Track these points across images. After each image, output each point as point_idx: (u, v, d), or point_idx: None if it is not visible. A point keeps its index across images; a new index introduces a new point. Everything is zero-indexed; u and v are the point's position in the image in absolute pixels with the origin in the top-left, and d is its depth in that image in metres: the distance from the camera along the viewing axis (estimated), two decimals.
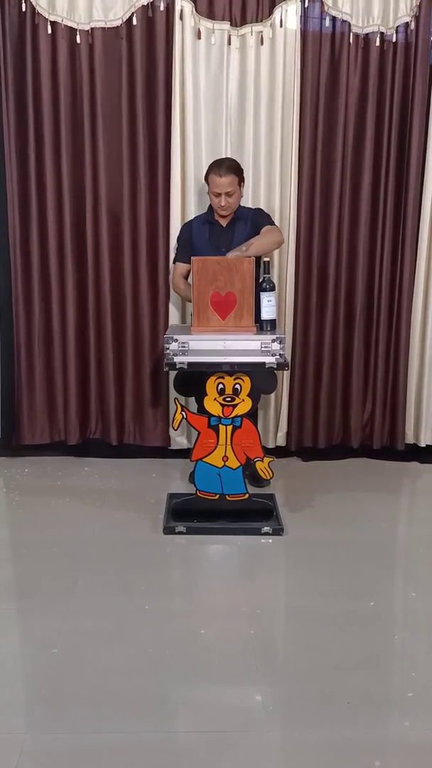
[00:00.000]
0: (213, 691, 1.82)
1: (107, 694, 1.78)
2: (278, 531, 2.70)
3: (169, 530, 2.70)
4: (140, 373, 3.49)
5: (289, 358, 3.17)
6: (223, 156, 3.24)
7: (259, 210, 3.15)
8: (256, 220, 3.04)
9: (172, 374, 3.15)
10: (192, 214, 3.29)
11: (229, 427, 2.67)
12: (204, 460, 2.71)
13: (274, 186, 3.34)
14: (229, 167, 2.94)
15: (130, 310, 3.43)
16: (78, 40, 3.19)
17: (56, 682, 1.83)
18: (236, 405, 2.65)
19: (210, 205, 3.10)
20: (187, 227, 3.16)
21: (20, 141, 3.28)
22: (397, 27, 3.24)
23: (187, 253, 3.03)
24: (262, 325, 2.72)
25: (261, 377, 2.75)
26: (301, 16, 3.20)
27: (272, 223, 3.06)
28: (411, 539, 2.88)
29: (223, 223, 3.07)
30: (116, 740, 1.63)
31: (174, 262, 3.19)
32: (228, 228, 3.07)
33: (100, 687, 1.81)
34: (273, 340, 2.59)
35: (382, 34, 3.24)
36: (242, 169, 3.03)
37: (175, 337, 2.61)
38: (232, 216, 3.07)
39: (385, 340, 3.50)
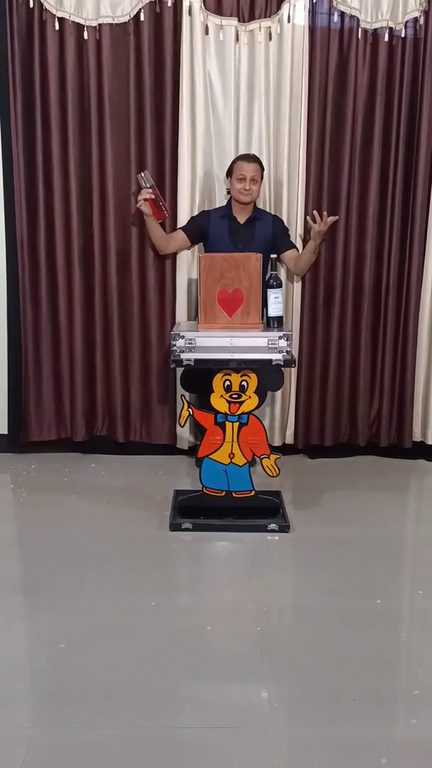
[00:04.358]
0: (219, 687, 1.82)
1: (114, 690, 1.78)
2: (284, 528, 2.70)
3: (175, 527, 2.70)
4: (147, 370, 3.50)
5: (296, 355, 3.16)
6: (231, 153, 3.26)
7: (281, 221, 3.25)
8: (280, 233, 3.17)
9: (179, 370, 3.16)
10: (199, 209, 3.29)
11: (236, 424, 2.67)
12: (210, 457, 2.71)
13: (281, 182, 3.33)
14: (255, 158, 3.10)
15: (137, 306, 3.43)
16: (86, 36, 3.19)
17: (63, 677, 1.83)
18: (243, 402, 2.65)
19: (229, 201, 3.16)
20: (206, 215, 3.20)
21: (28, 137, 3.28)
22: (406, 22, 3.22)
23: (191, 230, 3.18)
24: (269, 322, 2.72)
25: (268, 374, 2.74)
26: (309, 12, 3.19)
27: (294, 243, 3.24)
28: (418, 537, 2.87)
29: (240, 219, 3.13)
30: (122, 736, 1.63)
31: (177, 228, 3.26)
32: (247, 227, 3.13)
33: (107, 683, 1.81)
34: (280, 337, 2.59)
35: (390, 29, 3.22)
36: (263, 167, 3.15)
37: (182, 333, 2.60)
38: (250, 214, 3.13)
39: (392, 337, 3.49)
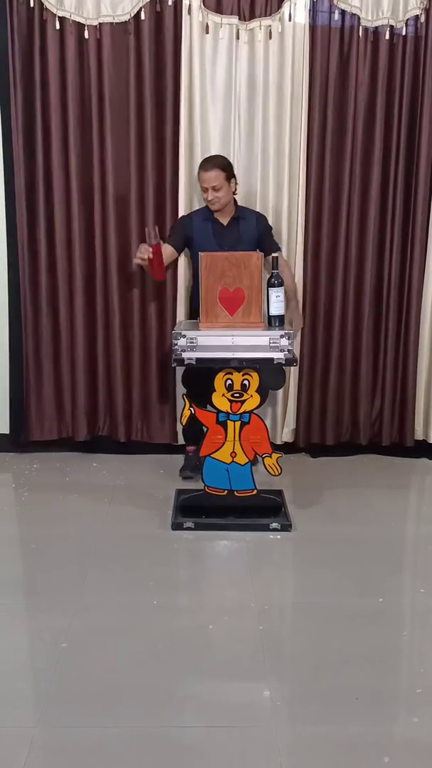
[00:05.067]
0: (221, 686, 1.82)
1: (116, 689, 1.78)
2: (286, 527, 2.70)
3: (177, 526, 2.70)
4: (148, 369, 3.49)
5: (297, 354, 3.16)
6: (232, 151, 3.26)
7: (265, 218, 3.19)
8: (264, 231, 3.12)
9: (179, 369, 3.16)
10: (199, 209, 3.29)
11: (237, 423, 2.67)
12: (212, 456, 2.71)
13: (282, 181, 3.33)
14: (215, 162, 3.00)
15: (138, 306, 3.43)
16: (86, 36, 3.19)
17: (65, 676, 1.83)
18: (244, 401, 2.65)
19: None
20: (187, 220, 3.16)
21: (28, 137, 3.28)
22: (407, 20, 3.22)
23: (176, 240, 3.11)
24: (271, 321, 2.72)
25: (269, 373, 2.74)
26: (310, 10, 3.19)
27: (278, 245, 3.18)
28: (419, 536, 2.87)
29: (223, 221, 3.09)
30: (124, 735, 1.63)
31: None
32: (231, 227, 3.09)
33: (109, 682, 1.81)
34: (281, 336, 2.58)
35: (391, 27, 3.22)
36: (231, 166, 3.05)
37: (183, 332, 2.60)
38: (232, 214, 3.09)
39: (394, 335, 3.49)
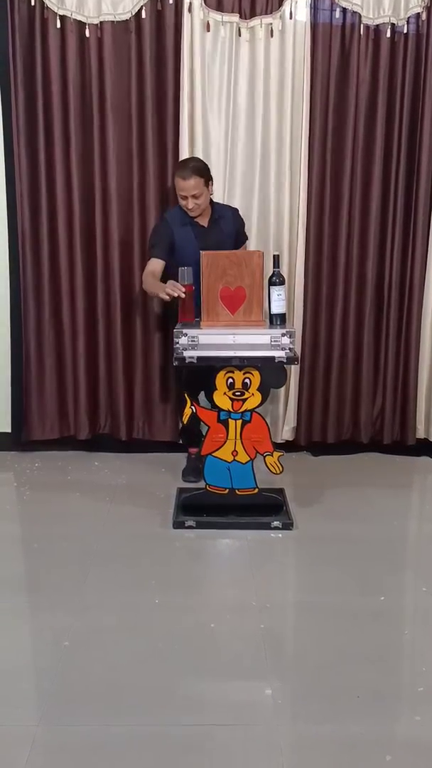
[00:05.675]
0: (223, 685, 1.82)
1: (117, 688, 1.79)
2: (288, 526, 2.70)
3: (178, 525, 2.70)
4: (149, 368, 3.49)
5: (298, 353, 3.16)
6: (233, 150, 3.25)
7: (238, 212, 3.15)
8: (240, 226, 3.11)
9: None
10: None
11: (239, 422, 2.67)
12: (214, 454, 2.71)
13: (283, 180, 3.33)
14: (193, 169, 2.87)
15: (139, 304, 3.43)
16: (87, 34, 3.19)
17: (67, 675, 1.83)
18: (246, 399, 2.65)
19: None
20: (165, 227, 3.00)
21: (29, 135, 3.28)
22: (408, 18, 3.21)
23: (163, 253, 2.96)
24: (272, 319, 2.72)
25: (270, 371, 2.74)
26: (311, 8, 3.18)
27: (246, 235, 3.18)
28: (421, 535, 2.87)
29: (203, 223, 3.02)
30: (126, 733, 1.63)
31: (150, 258, 3.02)
32: (212, 228, 3.01)
33: (111, 680, 1.82)
34: (283, 335, 2.58)
35: (392, 25, 3.21)
36: (207, 169, 2.95)
37: (184, 331, 2.60)
38: (210, 216, 3.02)
39: (395, 333, 3.48)
